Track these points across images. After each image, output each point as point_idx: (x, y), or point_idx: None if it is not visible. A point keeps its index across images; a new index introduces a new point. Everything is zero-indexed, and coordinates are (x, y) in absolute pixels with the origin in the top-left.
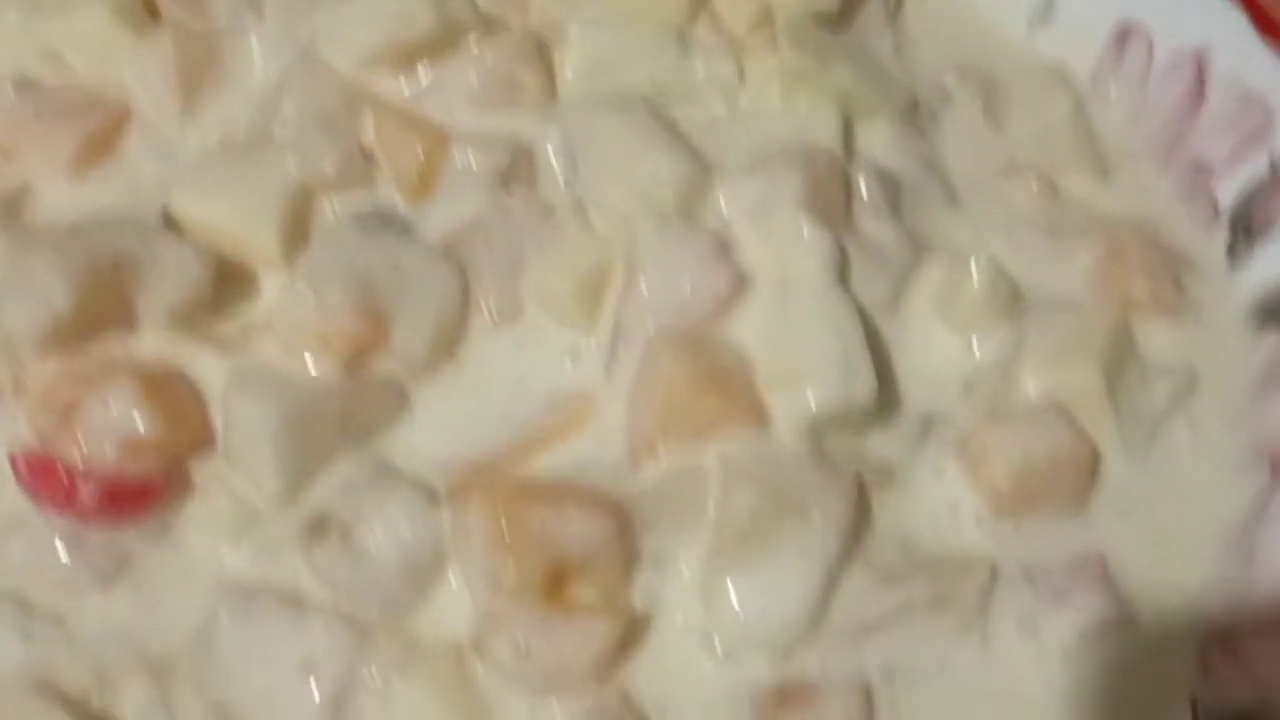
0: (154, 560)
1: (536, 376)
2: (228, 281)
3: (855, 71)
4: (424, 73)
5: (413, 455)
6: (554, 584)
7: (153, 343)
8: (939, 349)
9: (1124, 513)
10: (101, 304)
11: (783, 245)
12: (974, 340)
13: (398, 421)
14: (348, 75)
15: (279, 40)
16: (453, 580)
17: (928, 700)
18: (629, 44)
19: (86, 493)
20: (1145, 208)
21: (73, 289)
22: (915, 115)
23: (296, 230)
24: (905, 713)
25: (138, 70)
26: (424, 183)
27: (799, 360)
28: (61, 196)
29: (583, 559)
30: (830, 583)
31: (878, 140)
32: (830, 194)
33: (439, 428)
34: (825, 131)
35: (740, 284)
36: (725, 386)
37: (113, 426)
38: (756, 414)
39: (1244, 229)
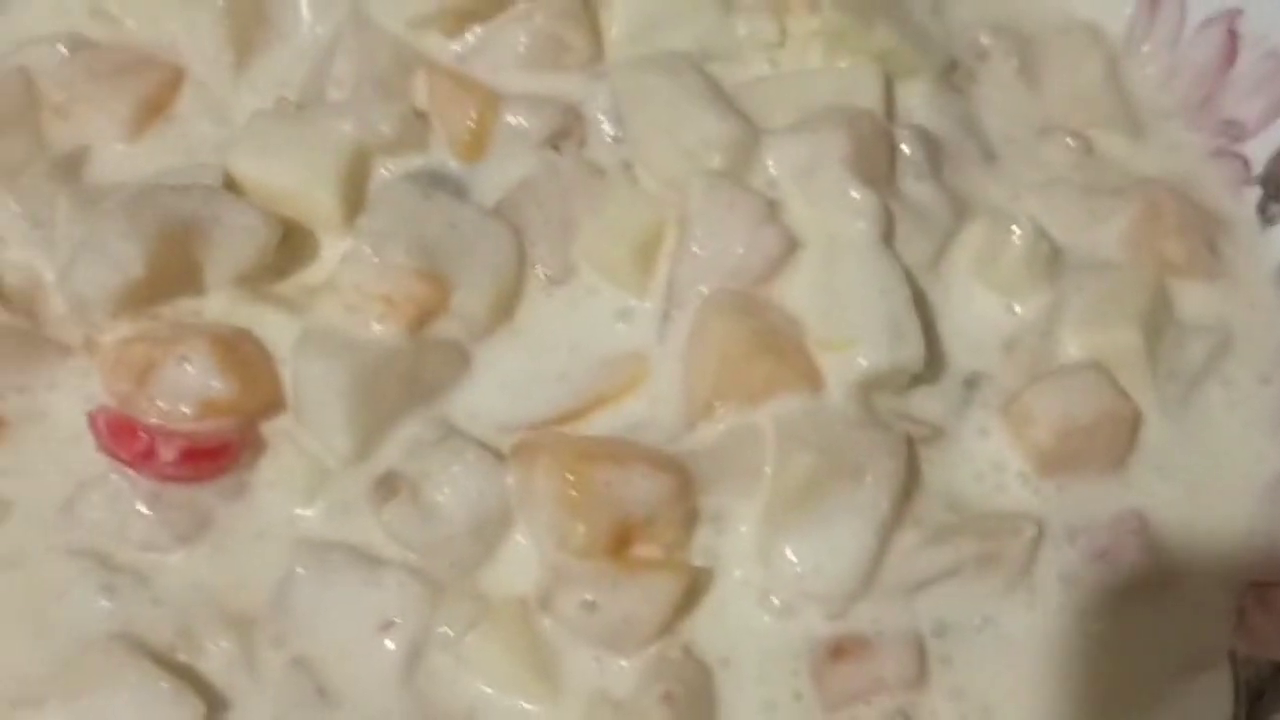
0: (231, 518)
1: (591, 338)
2: (288, 243)
3: (896, 31)
4: (471, 33)
5: (474, 415)
6: (619, 542)
7: (220, 304)
8: (980, 309)
9: (1161, 470)
10: (171, 267)
11: (830, 207)
12: (1014, 300)
13: (459, 382)
14: (398, 35)
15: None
16: (519, 537)
17: (978, 654)
18: (672, 3)
19: (167, 452)
20: (1177, 167)
21: (145, 253)
22: (953, 75)
23: (355, 192)
24: (957, 665)
25: (189, 28)
26: (476, 143)
27: (849, 322)
28: (118, 156)
29: (646, 517)
30: (882, 541)
31: (917, 100)
32: (874, 155)
33: (498, 388)
34: (867, 92)
35: (790, 246)
36: (779, 349)
37: (190, 387)
38: (809, 376)
39: (1275, 188)
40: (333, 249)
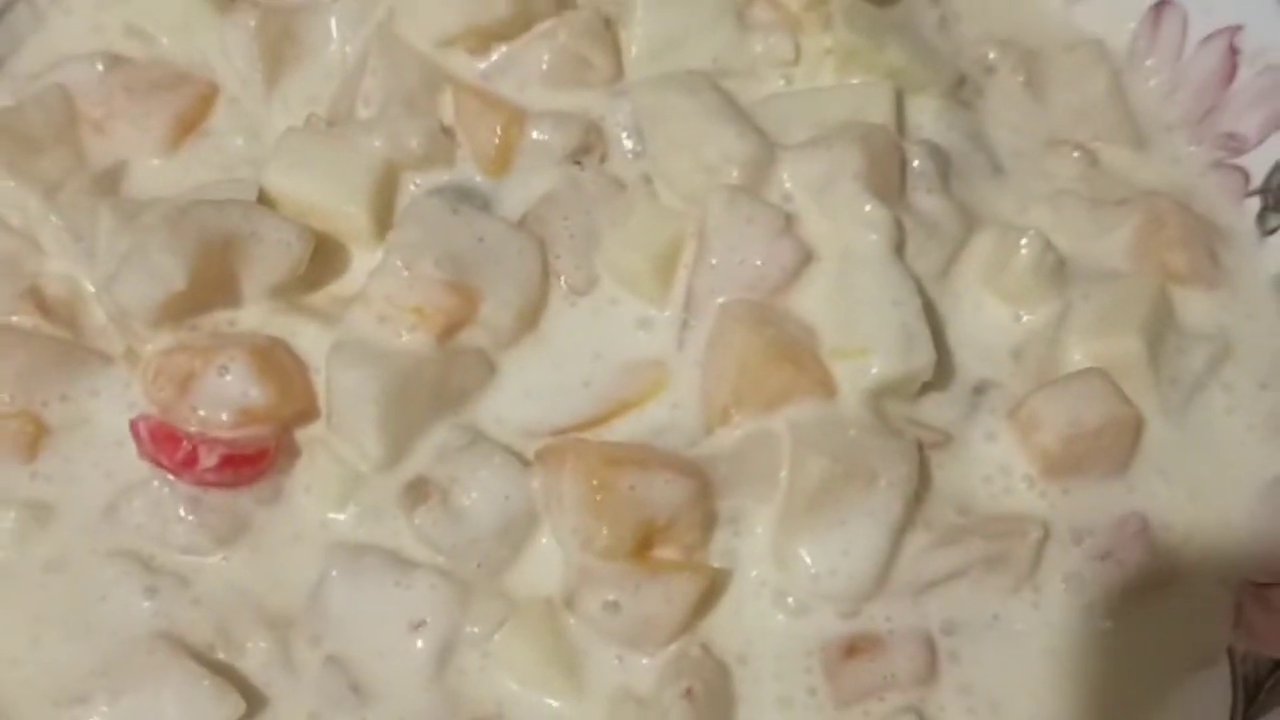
0: (268, 522)
1: (613, 346)
2: (320, 255)
3: (906, 48)
4: (497, 52)
5: (501, 421)
6: (641, 544)
7: (255, 315)
8: (988, 318)
9: (1163, 474)
10: (210, 280)
11: (844, 220)
12: (1021, 309)
13: (485, 390)
14: (425, 54)
15: (357, 18)
16: (545, 540)
17: (986, 651)
18: (691, 22)
19: (208, 459)
20: (1180, 179)
21: (187, 267)
22: (961, 90)
23: (384, 206)
24: (965, 663)
25: (222, 46)
26: (502, 159)
27: (862, 332)
28: (154, 171)
29: (667, 520)
30: (894, 542)
31: (927, 115)
32: (887, 169)
33: (524, 396)
34: (879, 107)
35: (805, 258)
36: (794, 357)
37: (229, 396)
38: (823, 383)
39: (1274, 200)
40: (364, 262)
